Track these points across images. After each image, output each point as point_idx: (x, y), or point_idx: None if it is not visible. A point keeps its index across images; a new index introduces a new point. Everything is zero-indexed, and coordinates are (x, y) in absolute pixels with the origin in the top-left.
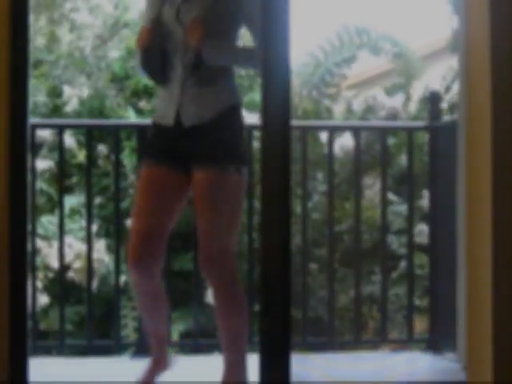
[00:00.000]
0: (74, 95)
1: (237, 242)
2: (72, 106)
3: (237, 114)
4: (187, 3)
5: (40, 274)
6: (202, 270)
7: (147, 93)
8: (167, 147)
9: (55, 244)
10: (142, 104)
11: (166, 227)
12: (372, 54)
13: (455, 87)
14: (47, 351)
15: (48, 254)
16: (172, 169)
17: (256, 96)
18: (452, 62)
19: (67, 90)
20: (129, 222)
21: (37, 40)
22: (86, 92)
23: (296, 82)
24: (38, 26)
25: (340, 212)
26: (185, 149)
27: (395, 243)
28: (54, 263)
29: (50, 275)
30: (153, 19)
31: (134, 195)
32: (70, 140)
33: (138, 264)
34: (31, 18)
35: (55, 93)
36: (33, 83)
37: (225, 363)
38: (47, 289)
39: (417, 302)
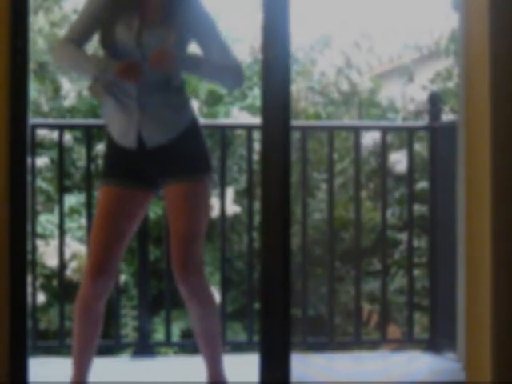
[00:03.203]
0: (73, 90)
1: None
2: (70, 101)
3: (197, 127)
4: (149, 30)
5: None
6: (178, 276)
7: None
8: (129, 168)
9: (52, 242)
10: None
11: (123, 247)
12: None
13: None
14: (47, 351)
15: (44, 252)
16: (133, 189)
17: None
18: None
19: (65, 85)
20: None
21: (38, 42)
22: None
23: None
24: (38, 27)
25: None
26: (149, 168)
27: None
28: (51, 262)
29: (47, 273)
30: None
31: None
32: (67, 136)
33: (98, 278)
34: (32, 19)
35: (58, 94)
36: (35, 85)
37: (207, 364)
38: (44, 287)
39: (417, 301)
